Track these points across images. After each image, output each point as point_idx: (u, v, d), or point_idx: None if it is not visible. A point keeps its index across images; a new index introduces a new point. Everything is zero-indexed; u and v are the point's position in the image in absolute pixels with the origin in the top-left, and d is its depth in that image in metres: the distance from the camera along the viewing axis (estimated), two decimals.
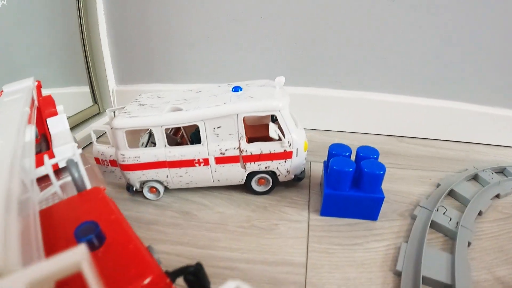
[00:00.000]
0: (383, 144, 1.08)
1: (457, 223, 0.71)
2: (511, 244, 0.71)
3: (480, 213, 0.80)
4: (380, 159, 0.85)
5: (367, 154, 0.72)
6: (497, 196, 0.90)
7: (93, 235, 0.33)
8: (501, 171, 1.03)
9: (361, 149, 0.74)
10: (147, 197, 0.77)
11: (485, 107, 1.10)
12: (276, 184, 0.76)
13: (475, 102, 1.09)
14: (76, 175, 0.43)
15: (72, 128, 0.97)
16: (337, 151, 0.73)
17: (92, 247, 0.33)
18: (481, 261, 0.66)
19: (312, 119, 1.07)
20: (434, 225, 0.72)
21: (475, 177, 0.96)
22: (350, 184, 0.68)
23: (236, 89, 0.74)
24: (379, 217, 0.73)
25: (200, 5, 0.98)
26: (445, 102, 1.08)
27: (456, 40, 0.98)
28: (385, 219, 0.73)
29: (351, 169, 0.66)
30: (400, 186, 0.85)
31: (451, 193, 0.86)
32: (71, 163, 0.44)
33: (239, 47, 1.01)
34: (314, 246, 0.65)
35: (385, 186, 0.82)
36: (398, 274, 0.60)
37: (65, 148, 0.57)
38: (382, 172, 0.66)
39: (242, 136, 0.69)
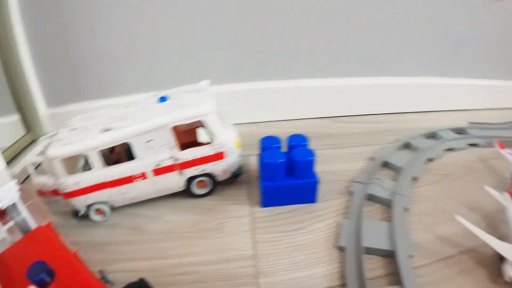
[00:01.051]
0: (318, 127, 1.14)
1: (392, 192, 0.78)
2: (448, 203, 0.78)
3: (415, 179, 0.87)
4: (316, 142, 0.91)
5: (297, 142, 0.78)
6: (430, 160, 0.97)
7: (43, 274, 0.38)
8: (432, 136, 1.12)
9: (291, 138, 0.79)
10: (95, 219, 0.80)
11: (409, 78, 1.19)
12: (216, 184, 0.81)
13: (399, 74, 1.17)
14: (18, 219, 0.47)
15: (8, 162, 0.97)
16: (268, 144, 0.78)
17: (45, 284, 0.38)
18: (420, 223, 0.73)
19: (245, 113, 1.12)
20: (371, 198, 0.79)
21: (407, 146, 1.03)
22: (284, 174, 0.73)
23: (162, 99, 0.78)
24: (319, 199, 0.79)
25: (121, 14, 0.99)
26: (371, 78, 1.16)
27: (375, 16, 1.05)
28: (324, 199, 0.79)
29: (281, 160, 0.72)
30: (336, 166, 0.92)
31: (385, 165, 0.93)
32: (11, 209, 0.47)
33: (166, 53, 1.03)
34: (261, 237, 0.70)
35: (322, 167, 0.88)
36: (342, 249, 0.66)
37: (2, 191, 0.59)
38: (312, 158, 0.72)
39: (173, 146, 0.73)
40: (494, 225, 0.73)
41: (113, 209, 0.80)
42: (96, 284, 0.36)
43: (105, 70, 1.04)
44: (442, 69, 1.25)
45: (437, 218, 0.75)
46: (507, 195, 0.75)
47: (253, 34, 1.03)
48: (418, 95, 1.23)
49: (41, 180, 0.74)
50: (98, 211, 0.77)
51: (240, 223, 0.73)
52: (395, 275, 0.60)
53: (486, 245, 0.63)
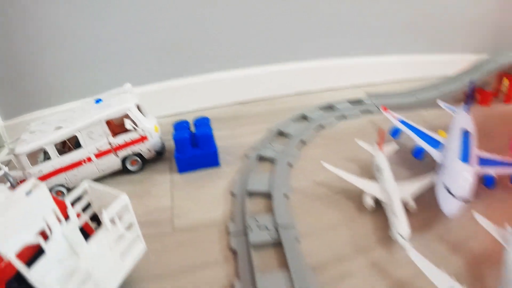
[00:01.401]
0: (230, 111, 1.37)
1: (280, 152, 1.04)
2: (330, 159, 0.98)
3: (303, 142, 1.12)
4: (228, 122, 1.18)
5: (201, 122, 1.06)
6: (322, 127, 1.20)
7: None
8: (329, 107, 1.34)
9: (196, 121, 1.07)
10: None
11: (309, 61, 1.46)
12: (145, 162, 1.07)
13: (297, 59, 1.44)
14: None
15: None
16: (179, 126, 1.06)
17: None
18: (300, 174, 0.99)
19: (167, 106, 1.33)
20: (262, 158, 1.04)
21: (303, 117, 1.27)
22: (190, 147, 1.01)
23: (98, 101, 1.05)
24: (222, 163, 1.06)
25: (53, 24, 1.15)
26: (274, 65, 1.42)
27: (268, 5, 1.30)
28: (227, 164, 1.05)
29: (187, 136, 0.99)
30: (242, 139, 1.17)
31: (280, 134, 1.18)
32: None
33: (99, 61, 1.23)
34: (177, 194, 0.95)
35: (229, 141, 1.14)
36: (234, 195, 0.92)
37: None
38: (210, 133, 0.99)
39: (108, 134, 1.00)
40: (368, 172, 0.97)
41: (69, 189, 1.05)
42: None
43: (51, 79, 1.23)
44: (339, 50, 1.51)
45: (317, 170, 0.97)
46: (376, 146, 0.99)
47: (164, 38, 1.25)
48: (320, 75, 1.49)
49: (13, 173, 0.99)
50: (58, 193, 1.02)
51: (163, 187, 0.98)
52: (271, 210, 0.85)
53: (353, 185, 0.88)
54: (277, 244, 0.77)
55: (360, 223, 0.84)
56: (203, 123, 1.03)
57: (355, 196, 0.90)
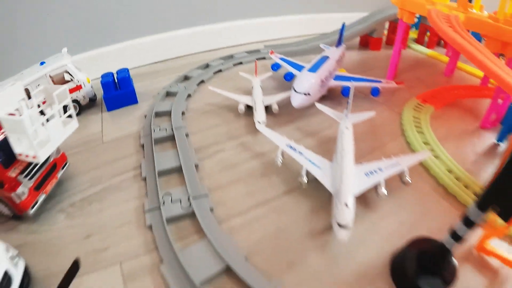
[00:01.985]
0: (151, 68, 1.71)
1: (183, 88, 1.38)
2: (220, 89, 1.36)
3: (203, 81, 1.46)
4: (147, 76, 1.52)
5: (121, 71, 1.39)
6: (220, 70, 1.55)
7: None
8: (229, 57, 1.70)
9: (117, 71, 1.41)
10: None
11: (216, 24, 1.82)
12: (82, 107, 1.37)
13: (207, 22, 1.80)
14: None
15: None
16: (105, 75, 1.39)
17: None
18: (197, 99, 1.36)
19: (99, 70, 1.49)
20: (169, 94, 1.36)
21: (206, 66, 1.59)
22: (114, 88, 1.36)
23: (42, 63, 1.36)
24: (140, 101, 1.37)
25: None
26: (188, 29, 1.77)
27: None
28: (143, 101, 1.37)
29: (110, 79, 1.34)
30: (156, 86, 1.49)
31: (186, 78, 1.49)
32: None
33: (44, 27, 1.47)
34: (106, 124, 1.21)
35: (146, 88, 1.46)
36: (145, 117, 1.29)
37: None
38: (127, 76, 1.35)
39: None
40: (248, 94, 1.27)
41: None
42: None
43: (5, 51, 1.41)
44: (245, 12, 1.88)
45: (208, 97, 1.35)
46: (254, 75, 1.36)
47: (91, 11, 1.51)
48: (227, 35, 1.86)
49: None
50: None
51: (95, 121, 1.25)
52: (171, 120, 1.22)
53: (233, 100, 1.27)
54: (171, 138, 1.12)
55: (235, 123, 1.21)
56: (123, 71, 1.37)
57: (234, 109, 1.27)
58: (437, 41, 1.90)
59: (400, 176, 0.83)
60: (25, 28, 1.41)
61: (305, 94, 1.16)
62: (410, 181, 0.83)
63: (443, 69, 1.51)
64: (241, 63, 1.65)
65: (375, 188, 0.81)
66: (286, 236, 0.77)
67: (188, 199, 0.83)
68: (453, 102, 1.24)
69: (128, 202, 0.86)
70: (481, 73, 1.51)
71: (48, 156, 0.80)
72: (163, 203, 0.82)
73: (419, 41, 2.02)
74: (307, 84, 1.18)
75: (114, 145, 1.11)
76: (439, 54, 1.78)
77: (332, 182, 0.81)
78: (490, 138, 1.04)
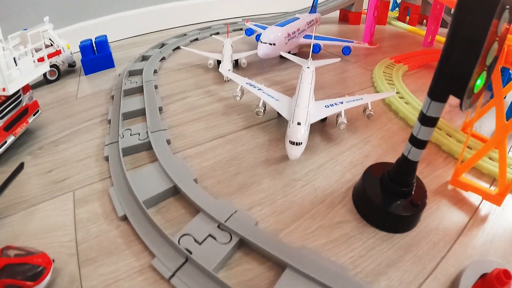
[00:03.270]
0: (129, 41, 1.76)
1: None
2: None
3: (178, 47, 1.48)
4: (126, 47, 1.54)
5: (100, 37, 1.41)
6: (197, 39, 1.58)
7: None
8: (208, 27, 1.74)
9: (96, 37, 1.44)
10: None
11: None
12: (60, 73, 1.36)
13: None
14: None
15: None
16: (84, 41, 1.43)
17: None
18: (170, 60, 1.41)
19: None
20: (144, 58, 1.40)
21: (162, 45, 1.52)
22: (92, 53, 1.39)
23: (24, 30, 1.43)
24: (117, 66, 1.40)
25: None
26: (164, 4, 1.83)
27: None
28: (120, 66, 1.40)
29: (89, 43, 1.37)
30: (133, 53, 1.54)
31: (162, 45, 1.54)
32: None
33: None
34: (82, 85, 1.25)
35: (123, 55, 1.50)
36: (120, 75, 1.33)
37: None
38: (105, 40, 1.38)
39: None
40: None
41: None
42: None
43: None
44: None
45: (182, 58, 1.39)
46: (226, 37, 1.39)
47: None
48: (208, 9, 1.94)
49: None
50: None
51: (72, 85, 1.27)
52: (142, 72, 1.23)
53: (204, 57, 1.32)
54: (141, 89, 1.13)
55: (203, 76, 1.23)
56: (101, 37, 1.40)
57: (204, 66, 1.31)
58: (418, 19, 1.90)
59: (364, 111, 0.83)
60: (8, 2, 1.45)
61: (269, 44, 1.18)
62: (373, 113, 0.84)
63: (421, 41, 1.54)
64: (218, 33, 1.67)
65: (336, 121, 0.83)
66: (240, 163, 0.78)
67: (147, 132, 0.84)
68: (428, 64, 1.26)
69: (92, 141, 0.89)
70: None
71: (17, 90, 0.82)
72: (122, 136, 0.84)
73: (400, 19, 2.02)
74: (272, 35, 1.20)
75: (87, 99, 1.13)
76: (419, 29, 1.75)
77: (288, 111, 0.82)
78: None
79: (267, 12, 2.11)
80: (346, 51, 1.31)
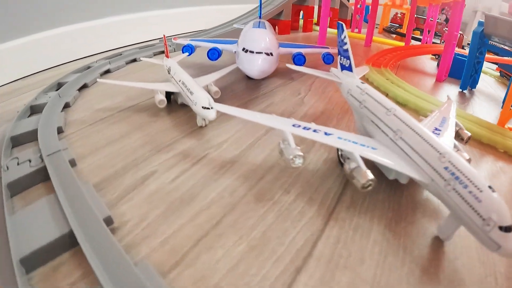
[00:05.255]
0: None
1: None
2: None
3: (67, 105, 0.83)
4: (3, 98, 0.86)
5: None
6: (85, 85, 0.95)
7: None
8: (86, 69, 1.08)
9: None
10: None
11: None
12: None
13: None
14: None
15: None
16: None
17: None
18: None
19: None
20: (15, 140, 0.67)
21: (59, 85, 0.95)
22: None
23: None
24: None
25: None
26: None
27: None
28: None
29: None
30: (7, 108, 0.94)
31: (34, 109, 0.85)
32: None
33: None
34: None
35: None
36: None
37: None
38: None
39: None
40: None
41: None
42: None
43: None
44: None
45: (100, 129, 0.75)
46: (165, 57, 0.91)
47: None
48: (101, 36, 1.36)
49: None
50: None
51: None
52: None
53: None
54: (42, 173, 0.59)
55: (154, 127, 0.74)
56: None
57: (144, 106, 0.82)
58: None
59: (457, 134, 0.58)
60: None
61: (267, 54, 0.80)
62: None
63: (357, 42, 1.64)
64: (135, 60, 1.19)
65: None
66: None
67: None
68: (396, 64, 1.23)
69: None
70: (389, 41, 1.82)
71: None
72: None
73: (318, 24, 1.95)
74: (264, 41, 0.83)
75: None
76: (349, 32, 1.89)
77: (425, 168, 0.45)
78: (454, 88, 1.12)
79: (179, 32, 1.69)
80: (329, 59, 1.06)
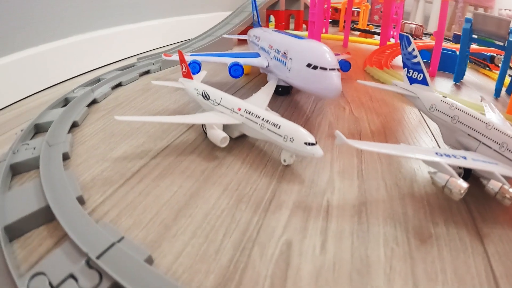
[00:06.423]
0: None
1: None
2: (116, 127, 0.67)
3: (76, 125, 0.69)
4: None
5: None
6: (94, 101, 0.82)
7: None
8: (96, 81, 0.96)
9: None
10: None
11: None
12: None
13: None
14: None
15: None
16: None
17: None
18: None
19: None
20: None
21: (65, 101, 0.82)
22: None
23: None
24: None
25: None
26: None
27: None
28: None
29: None
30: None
31: (38, 126, 0.69)
32: None
33: None
34: None
35: None
36: None
37: None
38: None
39: None
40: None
41: None
42: None
43: None
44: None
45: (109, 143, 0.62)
46: (185, 78, 0.73)
47: None
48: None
49: None
50: None
51: None
52: None
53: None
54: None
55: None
56: None
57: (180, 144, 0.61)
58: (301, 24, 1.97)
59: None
60: None
61: (336, 70, 0.68)
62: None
63: (336, 43, 1.63)
64: (120, 84, 0.95)
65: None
66: None
67: None
68: (387, 64, 1.18)
69: None
70: (364, 40, 1.86)
71: None
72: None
73: (286, 27, 1.98)
74: (331, 55, 0.71)
75: None
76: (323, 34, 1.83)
77: None
78: (447, 82, 1.09)
79: (153, 48, 1.47)
80: (347, 66, 0.93)
